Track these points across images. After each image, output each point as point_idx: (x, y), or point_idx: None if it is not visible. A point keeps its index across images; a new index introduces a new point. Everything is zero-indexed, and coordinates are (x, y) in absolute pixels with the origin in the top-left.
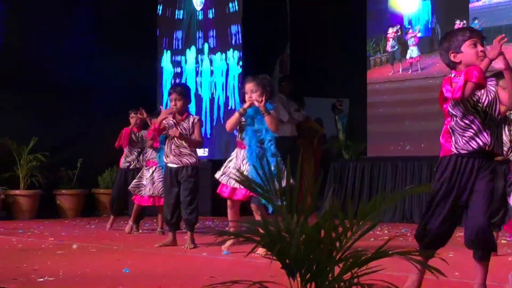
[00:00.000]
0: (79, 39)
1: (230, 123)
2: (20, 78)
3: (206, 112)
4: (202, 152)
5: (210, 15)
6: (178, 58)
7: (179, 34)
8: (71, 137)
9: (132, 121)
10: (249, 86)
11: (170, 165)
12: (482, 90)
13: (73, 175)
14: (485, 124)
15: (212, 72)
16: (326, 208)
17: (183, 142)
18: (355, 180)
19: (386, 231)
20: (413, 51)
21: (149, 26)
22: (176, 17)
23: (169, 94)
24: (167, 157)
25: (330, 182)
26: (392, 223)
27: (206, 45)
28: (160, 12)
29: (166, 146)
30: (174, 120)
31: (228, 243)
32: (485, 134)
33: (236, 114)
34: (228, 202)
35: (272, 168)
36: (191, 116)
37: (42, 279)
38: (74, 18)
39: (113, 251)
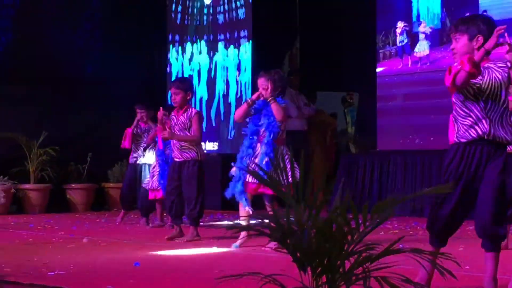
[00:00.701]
0: (90, 34)
1: (238, 113)
2: (30, 72)
3: (219, 106)
4: (212, 146)
5: (220, 10)
6: (188, 52)
7: (189, 28)
8: (81, 131)
9: (136, 120)
10: (260, 81)
11: (175, 159)
12: (486, 78)
13: (83, 169)
14: (485, 112)
15: (222, 67)
16: (336, 202)
17: None
18: (365, 173)
19: (396, 225)
20: (422, 44)
21: (159, 21)
22: (186, 11)
23: (170, 88)
24: (173, 151)
25: (339, 176)
26: (402, 217)
27: (216, 40)
28: (170, 6)
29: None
30: (174, 115)
31: (241, 239)
32: (484, 122)
33: (244, 105)
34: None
35: (262, 164)
36: (190, 109)
37: (52, 273)
38: (84, 13)
39: (123, 245)
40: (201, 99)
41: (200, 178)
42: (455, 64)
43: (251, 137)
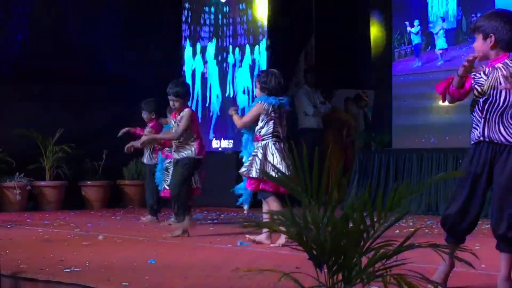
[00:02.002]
0: (106, 30)
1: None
2: (46, 69)
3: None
4: (227, 143)
5: (235, 8)
6: (203, 50)
7: (205, 26)
8: (97, 128)
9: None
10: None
11: (173, 158)
12: (490, 79)
13: (98, 166)
14: (483, 114)
15: (237, 65)
16: (351, 199)
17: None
18: (380, 171)
19: (411, 223)
20: (437, 44)
21: (177, 18)
22: (202, 9)
23: (168, 94)
24: (172, 152)
25: (355, 173)
26: (417, 215)
27: (231, 39)
28: (186, 4)
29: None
30: (175, 118)
31: (262, 236)
32: (480, 125)
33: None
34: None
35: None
36: (184, 110)
37: (68, 270)
38: (101, 9)
39: (138, 242)
40: (217, 97)
41: (185, 176)
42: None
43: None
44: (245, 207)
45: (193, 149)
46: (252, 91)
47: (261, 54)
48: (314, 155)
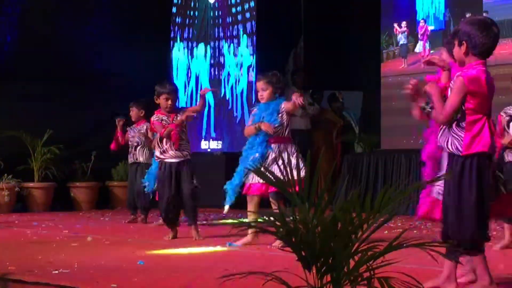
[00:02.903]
0: (95, 31)
1: (247, 132)
2: (34, 70)
3: (221, 105)
4: (216, 145)
5: (223, 7)
6: (192, 50)
7: (193, 26)
8: (86, 129)
9: (119, 127)
10: (259, 84)
11: (168, 160)
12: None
13: (87, 167)
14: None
15: (226, 65)
16: (341, 200)
17: (182, 136)
18: (369, 172)
19: (399, 224)
20: (426, 44)
21: (167, 17)
22: (191, 7)
23: (160, 93)
24: (165, 152)
25: (344, 174)
26: (406, 216)
27: (220, 38)
28: (176, 1)
29: (162, 142)
30: (165, 117)
31: (247, 238)
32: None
33: (253, 129)
34: (248, 198)
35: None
36: (181, 110)
37: (57, 271)
38: (90, 9)
39: (127, 243)
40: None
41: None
42: None
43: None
44: (226, 207)
45: (189, 149)
46: (241, 91)
47: (249, 55)
48: (304, 156)
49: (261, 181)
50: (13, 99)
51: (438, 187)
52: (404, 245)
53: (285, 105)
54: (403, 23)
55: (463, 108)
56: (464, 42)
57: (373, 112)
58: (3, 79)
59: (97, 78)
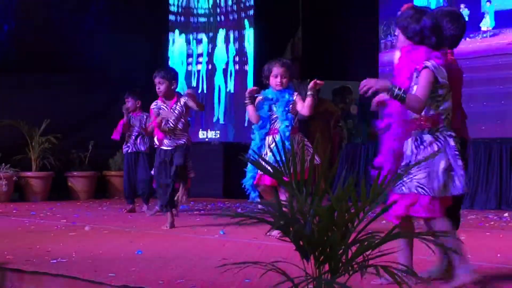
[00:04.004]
0: (92, 21)
1: (251, 117)
2: (31, 60)
3: (219, 96)
4: (213, 134)
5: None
6: (191, 40)
7: (192, 17)
8: (83, 119)
9: (125, 113)
10: (279, 70)
11: (164, 147)
12: None
13: (84, 157)
14: None
15: (223, 54)
16: (338, 190)
17: (177, 124)
18: (367, 162)
19: None
20: None
21: (164, 6)
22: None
23: (154, 77)
24: (162, 140)
25: (342, 164)
26: None
27: (218, 28)
28: None
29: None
30: (165, 105)
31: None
32: None
33: (250, 107)
34: (259, 188)
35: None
36: (181, 98)
37: (55, 261)
38: None
39: (125, 233)
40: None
41: (185, 163)
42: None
43: (262, 128)
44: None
45: (188, 137)
46: (239, 81)
47: (247, 45)
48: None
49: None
50: (11, 88)
51: (417, 181)
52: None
53: (297, 99)
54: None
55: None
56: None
57: (370, 103)
58: (1, 69)
59: (94, 68)
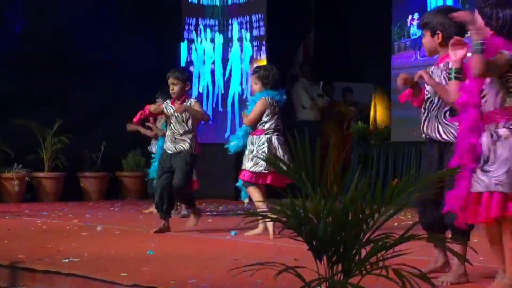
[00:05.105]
0: (104, 20)
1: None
2: (43, 60)
3: (233, 97)
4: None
5: (235, 1)
6: (200, 39)
7: (203, 19)
8: (95, 119)
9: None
10: (251, 78)
11: (167, 151)
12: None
13: (97, 157)
14: (425, 113)
15: (235, 57)
16: (351, 191)
17: (179, 129)
18: (380, 164)
19: (409, 216)
20: None
21: (174, 6)
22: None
23: (167, 77)
24: (166, 143)
25: (354, 166)
26: (416, 208)
27: (229, 30)
28: None
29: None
30: (173, 106)
31: (257, 231)
32: (422, 123)
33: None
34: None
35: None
36: (188, 100)
37: (67, 260)
38: None
39: (136, 233)
40: (218, 89)
41: (189, 169)
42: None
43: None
44: (246, 200)
45: (192, 143)
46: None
47: (259, 46)
48: (314, 147)
49: (266, 171)
50: (23, 88)
51: (494, 179)
52: (417, 236)
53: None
54: (415, 15)
55: None
56: (439, 32)
57: (384, 105)
58: (13, 68)
59: (107, 67)
